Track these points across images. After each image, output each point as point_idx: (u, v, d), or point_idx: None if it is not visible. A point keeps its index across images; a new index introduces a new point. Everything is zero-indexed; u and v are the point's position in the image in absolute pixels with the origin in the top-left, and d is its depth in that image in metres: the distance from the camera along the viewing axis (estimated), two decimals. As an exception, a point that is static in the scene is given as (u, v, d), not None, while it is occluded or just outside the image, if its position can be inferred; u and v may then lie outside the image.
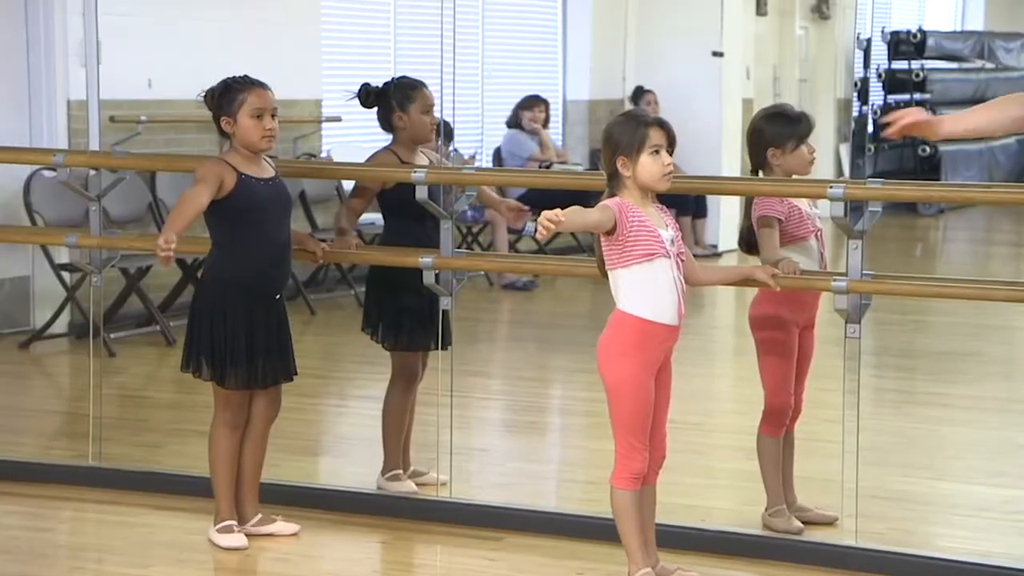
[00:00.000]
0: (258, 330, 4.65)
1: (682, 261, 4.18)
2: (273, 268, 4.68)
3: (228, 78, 4.68)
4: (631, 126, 4.11)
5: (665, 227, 4.15)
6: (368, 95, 5.15)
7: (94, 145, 5.68)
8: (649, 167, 4.09)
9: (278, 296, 4.73)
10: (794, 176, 4.77)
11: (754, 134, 4.78)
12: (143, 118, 8.62)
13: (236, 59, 9.06)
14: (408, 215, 5.07)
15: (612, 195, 4.13)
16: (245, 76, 4.69)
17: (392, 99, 5.12)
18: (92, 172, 5.52)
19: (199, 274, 4.83)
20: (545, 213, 3.85)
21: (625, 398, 4.10)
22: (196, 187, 4.56)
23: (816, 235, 4.76)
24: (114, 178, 5.60)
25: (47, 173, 7.93)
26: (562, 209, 3.91)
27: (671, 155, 4.14)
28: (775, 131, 4.74)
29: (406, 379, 5.21)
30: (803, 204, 4.76)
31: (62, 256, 8.07)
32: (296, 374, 4.81)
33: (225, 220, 4.63)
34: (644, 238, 4.08)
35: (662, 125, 4.13)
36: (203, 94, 4.70)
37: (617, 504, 4.16)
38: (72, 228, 6.93)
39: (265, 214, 4.63)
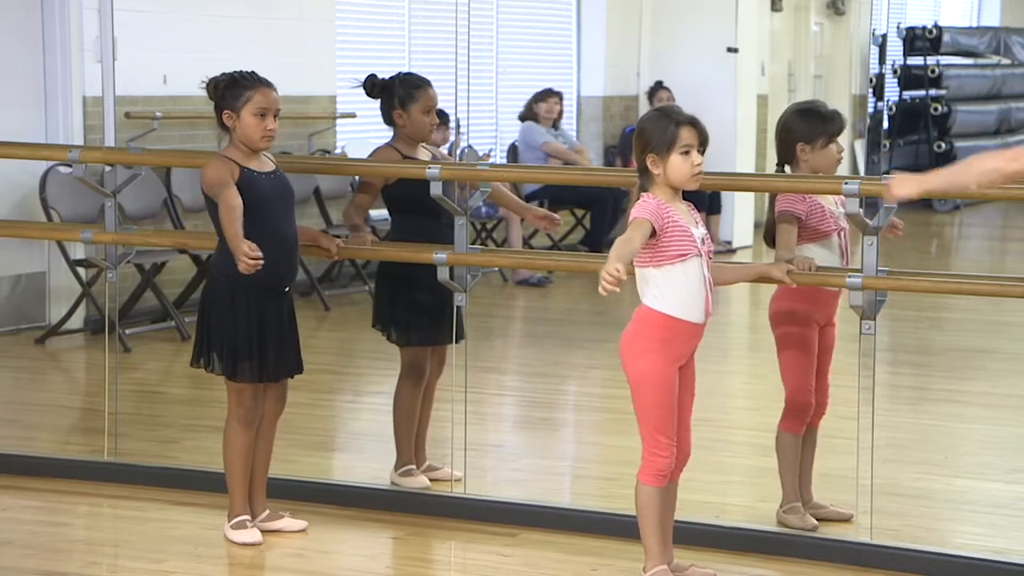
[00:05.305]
0: (268, 324, 4.66)
1: (711, 259, 4.17)
2: (281, 261, 4.67)
3: (236, 72, 4.68)
4: (663, 124, 4.10)
5: (696, 224, 4.14)
6: (374, 86, 5.17)
7: (109, 141, 5.70)
8: (679, 167, 4.08)
9: (287, 289, 4.74)
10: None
11: (784, 128, 4.74)
12: (159, 114, 8.63)
13: (251, 55, 9.10)
14: (413, 210, 5.08)
15: (643, 190, 4.12)
16: (253, 73, 4.69)
17: (395, 95, 5.13)
18: (107, 168, 5.53)
19: (208, 270, 4.82)
20: (604, 273, 3.76)
21: (649, 393, 4.09)
22: (225, 193, 4.54)
23: (839, 233, 4.72)
24: (129, 174, 5.61)
25: (63, 169, 7.94)
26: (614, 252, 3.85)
27: (702, 154, 4.12)
28: (806, 127, 4.70)
29: (415, 375, 5.22)
30: (828, 202, 4.73)
31: (78, 252, 8.09)
32: (302, 371, 4.81)
33: None
34: (678, 238, 4.07)
35: (694, 124, 4.11)
36: (206, 83, 4.70)
37: (641, 500, 4.15)
38: (87, 224, 6.95)
39: (269, 207, 4.63)
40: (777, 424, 4.81)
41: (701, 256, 4.12)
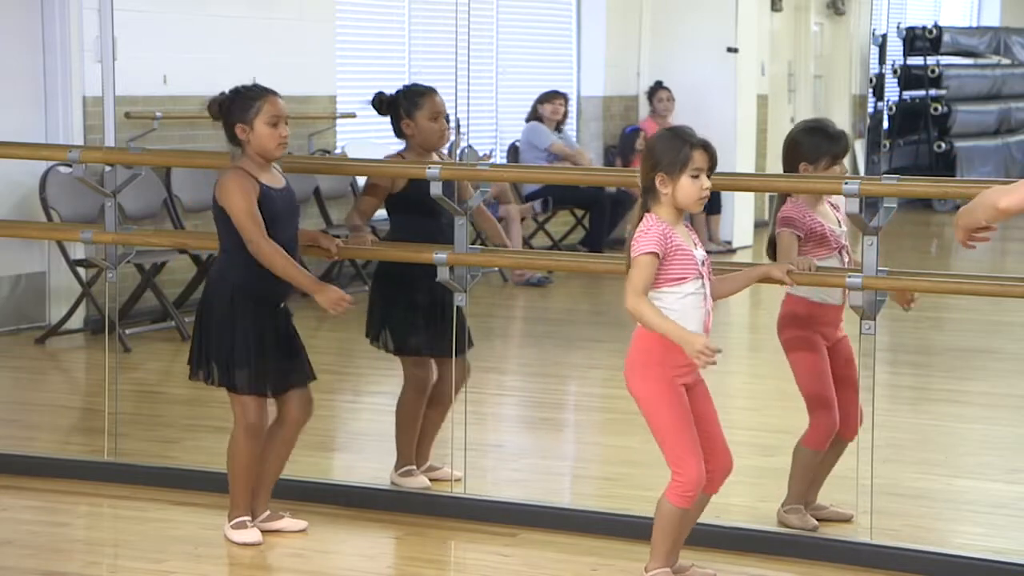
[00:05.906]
0: (266, 334, 4.63)
1: (711, 279, 4.17)
2: (280, 278, 4.65)
3: (239, 86, 4.66)
4: (676, 145, 4.08)
5: (695, 246, 4.14)
6: (382, 103, 5.19)
7: (109, 141, 5.70)
8: (687, 189, 4.07)
9: (282, 304, 4.72)
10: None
11: (790, 146, 4.73)
12: (158, 114, 8.64)
13: (251, 55, 9.13)
14: (413, 210, 5.08)
15: (645, 207, 4.11)
16: (256, 84, 4.68)
17: (400, 107, 5.14)
18: (107, 168, 5.53)
19: (206, 279, 4.81)
20: (696, 354, 3.94)
21: (661, 409, 4.08)
22: (265, 242, 4.54)
23: (841, 251, 4.71)
24: (129, 174, 5.61)
25: (63, 169, 7.95)
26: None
27: (709, 177, 4.12)
28: (811, 146, 4.68)
29: (417, 384, 5.19)
30: (829, 220, 4.72)
31: (78, 252, 8.09)
32: (315, 377, 4.79)
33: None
34: (678, 261, 4.07)
35: (707, 148, 4.09)
36: (208, 105, 4.66)
37: (662, 513, 4.14)
38: (88, 224, 6.95)
39: (278, 225, 4.62)
40: (800, 439, 4.75)
41: (701, 278, 4.12)
